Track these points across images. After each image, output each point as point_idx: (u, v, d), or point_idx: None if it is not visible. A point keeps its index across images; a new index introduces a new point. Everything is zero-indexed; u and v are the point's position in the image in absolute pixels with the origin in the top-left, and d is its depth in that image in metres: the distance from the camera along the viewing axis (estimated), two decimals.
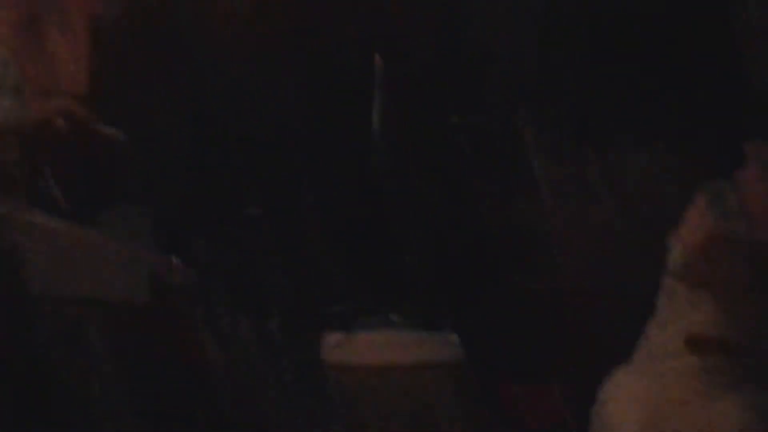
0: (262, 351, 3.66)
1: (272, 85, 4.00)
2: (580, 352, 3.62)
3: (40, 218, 3.54)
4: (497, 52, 3.89)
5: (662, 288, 3.03)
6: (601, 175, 3.74)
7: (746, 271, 2.87)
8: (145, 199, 3.92)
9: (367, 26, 4.18)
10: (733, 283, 2.92)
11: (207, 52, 3.98)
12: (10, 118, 3.52)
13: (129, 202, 3.90)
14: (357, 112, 4.16)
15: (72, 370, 3.57)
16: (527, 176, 4.00)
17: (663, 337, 3.04)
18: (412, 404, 3.50)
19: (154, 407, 3.55)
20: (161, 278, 3.63)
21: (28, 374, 3.51)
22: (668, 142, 3.75)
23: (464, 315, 3.63)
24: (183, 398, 3.59)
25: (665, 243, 3.07)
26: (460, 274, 3.83)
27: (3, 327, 3.47)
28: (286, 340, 3.61)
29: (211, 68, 3.98)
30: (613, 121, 3.75)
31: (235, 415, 3.59)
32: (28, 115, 3.58)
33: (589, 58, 3.77)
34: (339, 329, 3.53)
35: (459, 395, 3.52)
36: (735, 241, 2.84)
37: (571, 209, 3.81)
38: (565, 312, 3.70)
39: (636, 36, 3.78)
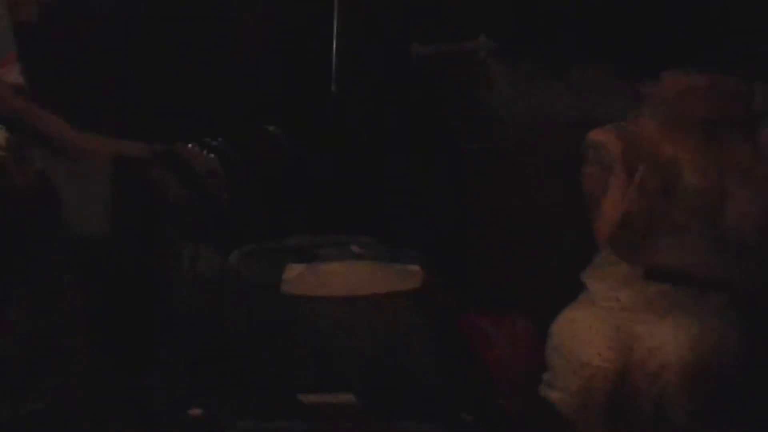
0: (224, 281, 3.65)
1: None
2: (539, 283, 3.66)
3: None
4: None
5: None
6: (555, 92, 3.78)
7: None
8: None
9: None
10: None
11: None
12: None
13: None
14: (317, 41, 4.12)
15: None
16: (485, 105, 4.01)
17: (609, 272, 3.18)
18: (375, 334, 3.51)
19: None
20: None
21: None
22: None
23: (429, 246, 3.65)
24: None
25: None
26: (423, 206, 3.84)
27: None
28: (248, 270, 3.60)
29: None
30: (568, 45, 3.76)
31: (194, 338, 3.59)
32: None
33: None
34: (300, 260, 3.53)
35: (423, 324, 3.54)
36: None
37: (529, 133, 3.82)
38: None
39: None
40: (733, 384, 3.03)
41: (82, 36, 3.65)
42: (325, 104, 4.05)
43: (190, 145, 3.62)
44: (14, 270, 3.16)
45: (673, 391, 3.02)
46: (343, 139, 4.03)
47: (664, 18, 3.68)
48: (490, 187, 3.69)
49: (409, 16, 4.03)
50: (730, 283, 2.98)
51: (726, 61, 3.27)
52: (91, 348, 3.30)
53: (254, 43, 3.90)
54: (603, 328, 3.13)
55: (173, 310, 3.55)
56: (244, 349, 3.51)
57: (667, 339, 3.06)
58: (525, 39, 3.85)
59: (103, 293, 3.42)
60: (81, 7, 3.65)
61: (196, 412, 3.43)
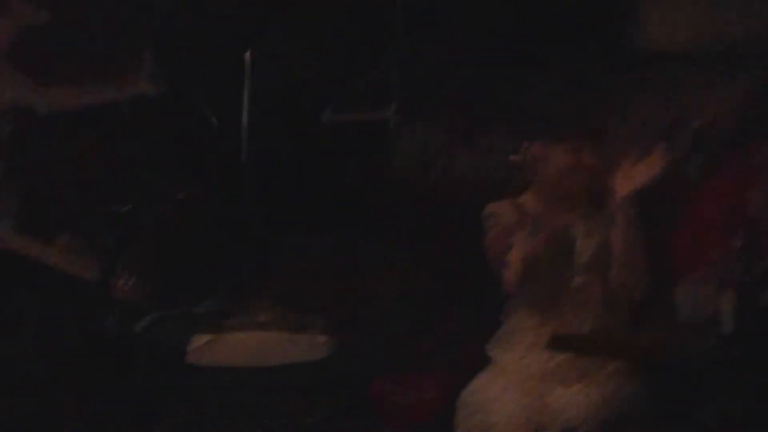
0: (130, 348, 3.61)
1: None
2: (449, 345, 3.67)
3: None
4: (366, 51, 3.90)
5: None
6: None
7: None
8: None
9: (238, 23, 4.15)
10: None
11: None
12: None
13: None
14: (227, 109, 4.12)
15: None
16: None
17: (518, 339, 3.22)
18: (283, 404, 3.49)
19: None
20: None
21: None
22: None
23: (333, 314, 3.64)
24: None
25: None
26: (329, 272, 3.84)
27: None
28: (155, 340, 3.56)
29: None
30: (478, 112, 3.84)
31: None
32: None
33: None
34: (207, 330, 3.50)
35: (329, 393, 3.53)
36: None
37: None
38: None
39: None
40: None
41: None
42: (235, 171, 4.05)
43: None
44: None
45: None
46: (251, 204, 4.04)
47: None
48: (396, 249, 3.72)
49: (321, 84, 4.07)
50: (631, 348, 3.02)
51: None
52: None
53: (166, 111, 3.89)
54: (512, 397, 3.14)
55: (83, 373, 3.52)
56: (148, 418, 3.47)
57: (574, 406, 3.09)
58: (435, 106, 3.90)
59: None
60: None
61: None
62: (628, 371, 3.15)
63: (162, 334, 3.51)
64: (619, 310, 3.20)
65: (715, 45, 3.76)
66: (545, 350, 3.12)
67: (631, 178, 3.13)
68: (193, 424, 3.53)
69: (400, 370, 3.72)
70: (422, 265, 3.72)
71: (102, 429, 3.56)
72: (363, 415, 3.61)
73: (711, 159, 3.65)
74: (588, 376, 3.15)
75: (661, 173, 3.13)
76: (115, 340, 3.59)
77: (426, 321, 3.75)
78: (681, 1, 3.86)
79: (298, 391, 3.51)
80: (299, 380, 3.49)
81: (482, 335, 3.36)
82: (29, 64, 3.62)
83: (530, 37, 3.94)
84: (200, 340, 3.43)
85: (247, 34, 4.12)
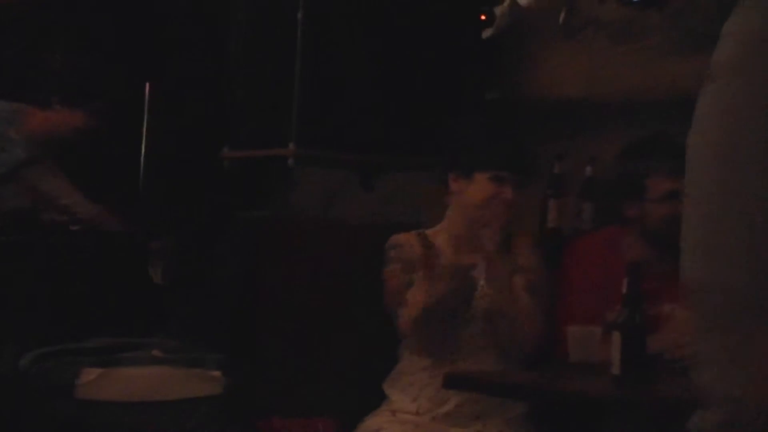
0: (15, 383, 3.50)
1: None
2: (346, 390, 3.67)
3: None
4: (267, 87, 3.91)
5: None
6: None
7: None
8: None
9: (139, 54, 4.13)
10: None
11: None
12: None
13: None
14: (128, 139, 4.09)
15: None
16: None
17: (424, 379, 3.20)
18: None
19: None
20: None
21: None
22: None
23: (229, 350, 3.61)
24: None
25: None
26: (225, 309, 3.81)
27: None
28: (41, 374, 3.47)
29: None
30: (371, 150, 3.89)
31: None
32: None
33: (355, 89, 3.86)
34: (99, 364, 3.42)
35: (221, 430, 3.49)
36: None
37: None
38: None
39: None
40: None
41: None
42: (131, 205, 4.01)
43: None
44: None
45: None
46: (148, 237, 4.00)
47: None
48: (287, 289, 3.72)
49: (221, 120, 4.06)
50: (528, 390, 3.04)
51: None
52: None
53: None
54: None
55: None
56: None
57: None
58: (336, 148, 3.93)
59: None
60: None
61: None
62: (525, 414, 3.17)
63: (48, 370, 3.42)
64: (516, 354, 3.21)
65: (609, 95, 3.89)
66: (441, 391, 3.12)
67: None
68: None
69: (289, 411, 3.71)
70: (318, 302, 3.73)
71: None
72: None
73: (599, 208, 3.77)
74: (483, 419, 3.15)
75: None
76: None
77: (319, 361, 3.76)
78: (576, 52, 3.98)
79: (187, 429, 3.46)
80: (190, 416, 3.44)
81: (377, 375, 3.37)
82: None
83: (430, 83, 4.01)
84: (90, 374, 3.36)
85: (146, 66, 4.10)
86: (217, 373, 3.46)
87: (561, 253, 3.39)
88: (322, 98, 3.81)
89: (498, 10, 3.51)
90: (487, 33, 3.55)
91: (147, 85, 3.94)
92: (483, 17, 3.55)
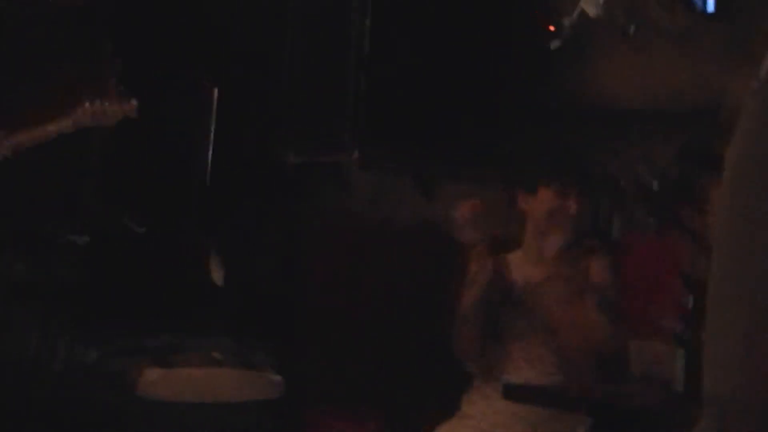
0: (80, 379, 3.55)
1: None
2: (395, 385, 3.68)
3: None
4: (332, 95, 3.94)
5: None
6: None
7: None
8: None
9: (203, 57, 4.17)
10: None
11: None
12: None
13: None
14: (191, 144, 4.13)
15: None
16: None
17: (483, 390, 3.19)
18: None
19: None
20: None
21: None
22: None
23: (281, 349, 3.64)
24: None
25: None
26: (278, 310, 3.84)
27: None
28: (104, 371, 3.52)
29: None
30: (431, 159, 3.90)
31: None
32: None
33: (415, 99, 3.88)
34: (160, 362, 3.47)
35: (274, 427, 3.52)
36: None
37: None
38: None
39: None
40: None
41: None
42: (196, 205, 4.05)
43: None
44: None
45: None
46: (210, 239, 4.04)
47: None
48: (340, 290, 3.74)
49: (285, 127, 4.09)
50: (585, 401, 3.02)
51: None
52: None
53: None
54: None
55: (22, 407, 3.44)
56: None
57: None
58: (398, 155, 3.94)
59: None
60: None
61: None
62: (580, 424, 3.14)
63: (112, 367, 3.47)
64: (575, 368, 3.18)
65: (669, 103, 3.86)
66: (503, 402, 3.10)
67: None
68: None
69: (341, 407, 3.72)
70: (374, 305, 3.74)
71: None
72: None
73: (652, 214, 3.73)
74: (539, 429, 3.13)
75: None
76: (63, 374, 3.54)
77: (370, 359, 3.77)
78: (638, 60, 3.95)
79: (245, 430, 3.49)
80: (248, 419, 3.47)
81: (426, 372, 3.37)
82: None
83: (490, 91, 4.01)
84: (152, 373, 3.40)
85: (213, 69, 4.14)
86: (276, 377, 3.49)
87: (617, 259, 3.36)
88: (386, 106, 3.82)
89: (566, 21, 3.49)
90: (555, 44, 3.53)
91: (215, 90, 3.98)
92: (551, 28, 3.54)
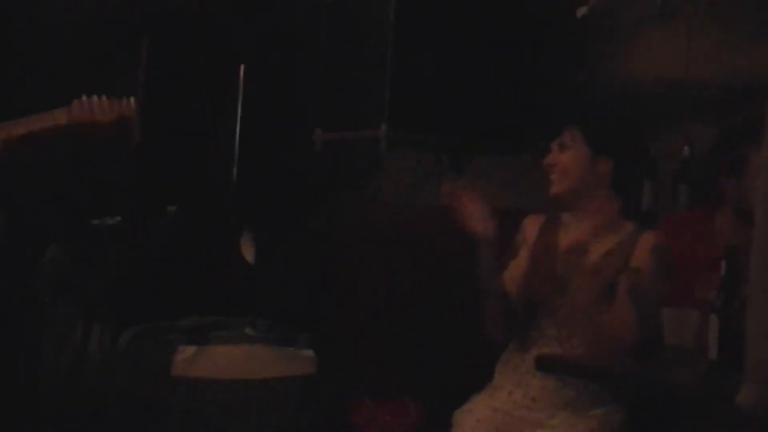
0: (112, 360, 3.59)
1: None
2: (433, 371, 3.68)
3: None
4: (359, 70, 3.94)
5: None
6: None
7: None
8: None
9: (232, 39, 4.18)
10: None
11: None
12: None
13: None
14: (220, 123, 4.14)
15: None
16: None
17: (515, 362, 3.18)
18: (266, 418, 3.48)
19: None
20: None
21: None
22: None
23: (320, 330, 3.65)
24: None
25: None
26: (316, 289, 3.85)
27: None
28: (139, 351, 3.56)
29: None
30: (461, 133, 3.89)
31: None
32: None
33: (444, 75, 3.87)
34: (193, 342, 3.49)
35: (314, 409, 3.53)
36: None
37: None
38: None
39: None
40: None
41: None
42: (226, 188, 4.07)
43: None
44: None
45: None
46: (239, 220, 4.05)
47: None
48: (375, 271, 3.74)
49: (313, 103, 4.09)
50: (621, 375, 3.01)
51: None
52: None
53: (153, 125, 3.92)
54: (485, 426, 3.09)
55: (56, 387, 3.49)
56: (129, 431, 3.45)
57: None
58: (427, 130, 3.94)
59: None
60: None
61: None
62: (616, 403, 3.12)
63: (145, 347, 3.50)
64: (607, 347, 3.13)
65: (706, 77, 3.83)
66: (536, 376, 3.09)
67: None
68: None
69: (383, 394, 3.73)
70: (411, 288, 3.74)
71: None
72: None
73: (695, 190, 3.71)
74: (573, 408, 3.10)
75: None
76: (96, 354, 3.58)
77: (407, 343, 3.78)
78: (671, 33, 3.92)
79: (280, 407, 3.51)
80: (283, 395, 3.49)
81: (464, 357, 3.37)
82: None
83: (519, 66, 3.99)
84: (186, 351, 3.43)
85: (239, 46, 4.15)
86: (309, 353, 3.51)
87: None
88: (413, 81, 3.81)
89: None
90: (581, 11, 3.52)
91: (241, 67, 3.98)
92: None
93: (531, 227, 3.23)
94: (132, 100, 3.39)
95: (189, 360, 3.44)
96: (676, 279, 3.16)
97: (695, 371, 2.73)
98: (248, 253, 3.91)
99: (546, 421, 3.07)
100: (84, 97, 3.37)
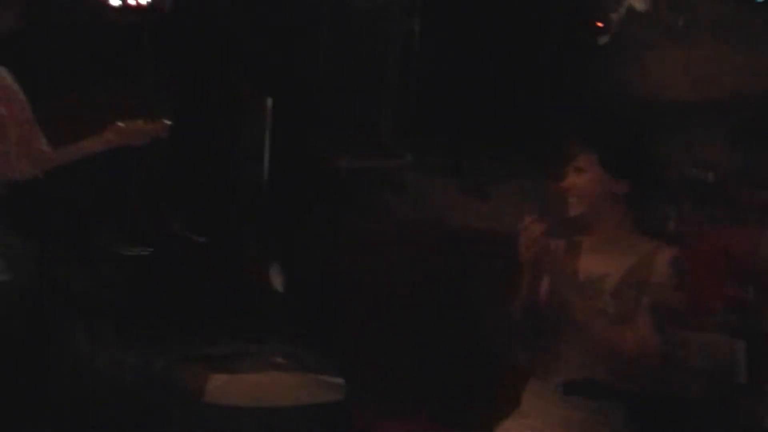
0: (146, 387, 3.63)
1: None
2: (457, 397, 3.70)
3: None
4: (383, 99, 3.99)
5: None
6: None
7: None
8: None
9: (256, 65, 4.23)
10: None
11: None
12: None
13: None
14: (247, 152, 4.19)
15: None
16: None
17: (539, 386, 3.20)
18: None
19: None
20: None
21: None
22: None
23: (346, 353, 3.68)
24: None
25: None
26: (341, 314, 3.89)
27: None
28: (172, 378, 3.59)
29: None
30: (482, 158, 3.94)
31: None
32: None
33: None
34: (224, 369, 3.54)
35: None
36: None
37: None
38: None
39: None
40: None
41: None
42: (253, 215, 4.12)
43: None
44: None
45: None
46: (268, 246, 4.10)
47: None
48: (397, 293, 3.77)
49: (339, 131, 4.14)
50: (644, 394, 3.02)
51: None
52: None
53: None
54: None
55: (90, 414, 3.52)
56: None
57: None
58: (451, 156, 3.98)
59: None
60: None
61: None
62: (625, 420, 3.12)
63: (179, 374, 3.54)
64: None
65: (716, 95, 3.85)
66: (561, 401, 3.10)
67: None
68: None
69: (406, 416, 3.75)
70: (435, 311, 3.77)
71: None
72: None
73: (709, 206, 3.73)
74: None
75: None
76: (133, 381, 3.62)
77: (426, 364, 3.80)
78: (684, 53, 3.95)
79: None
80: (312, 422, 3.52)
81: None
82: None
83: (539, 88, 4.03)
84: (218, 379, 3.47)
85: (266, 79, 4.20)
86: (338, 380, 3.54)
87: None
88: (437, 109, 3.86)
89: (614, 17, 3.51)
90: (603, 40, 3.55)
91: (269, 100, 4.04)
92: (599, 24, 3.55)
93: (535, 238, 3.24)
94: (165, 121, 3.43)
95: (221, 387, 3.48)
96: (699, 296, 3.16)
97: (723, 394, 2.75)
98: (277, 281, 3.95)
99: None
100: (119, 124, 3.42)
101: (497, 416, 3.22)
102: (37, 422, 3.49)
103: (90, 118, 3.53)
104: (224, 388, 3.46)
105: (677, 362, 3.07)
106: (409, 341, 3.87)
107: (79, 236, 3.94)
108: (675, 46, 3.80)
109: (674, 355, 3.10)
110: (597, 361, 3.12)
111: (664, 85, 3.92)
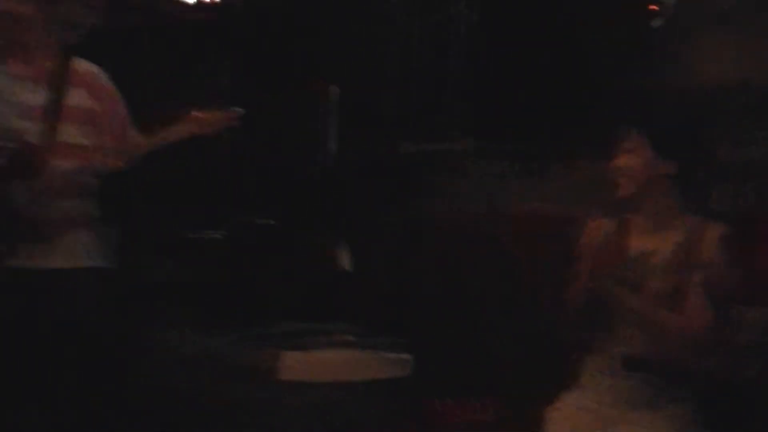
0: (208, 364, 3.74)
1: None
2: (514, 371, 3.77)
3: None
4: (443, 83, 4.07)
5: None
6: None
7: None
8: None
9: (321, 55, 4.34)
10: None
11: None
12: None
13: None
14: (310, 138, 4.31)
15: None
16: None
17: (598, 362, 3.26)
18: (368, 419, 3.59)
19: None
20: None
21: None
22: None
23: (412, 333, 3.76)
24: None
25: None
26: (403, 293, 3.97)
27: None
28: (236, 355, 3.70)
29: None
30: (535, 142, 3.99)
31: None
32: None
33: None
34: (290, 347, 3.65)
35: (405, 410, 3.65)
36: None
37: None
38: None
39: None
40: None
41: None
42: (318, 198, 4.22)
43: None
44: None
45: None
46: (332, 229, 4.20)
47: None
48: (456, 277, 3.83)
49: (400, 116, 4.23)
50: (701, 372, 3.06)
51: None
52: None
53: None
54: (572, 424, 3.17)
55: (153, 391, 3.61)
56: None
57: None
58: (509, 139, 4.05)
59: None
60: None
61: None
62: (690, 400, 3.18)
63: (244, 352, 3.66)
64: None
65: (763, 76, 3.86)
66: (618, 375, 3.16)
67: None
68: None
69: (458, 393, 3.84)
70: (493, 289, 3.84)
71: None
72: None
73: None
74: (655, 407, 3.18)
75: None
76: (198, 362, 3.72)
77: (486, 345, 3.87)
78: (734, 37, 3.96)
79: (378, 407, 3.63)
80: (381, 396, 3.62)
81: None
82: None
83: (590, 73, 4.08)
84: (290, 357, 3.59)
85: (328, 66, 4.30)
86: (405, 355, 3.64)
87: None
88: (494, 92, 3.93)
89: (667, 0, 3.55)
90: (657, 23, 3.59)
91: (335, 89, 4.15)
92: (654, 8, 3.59)
93: (596, 230, 3.31)
94: (237, 109, 3.55)
95: (293, 365, 3.58)
96: (747, 273, 3.17)
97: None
98: (344, 260, 4.05)
99: (627, 418, 3.15)
100: (195, 113, 3.54)
101: (557, 391, 3.30)
102: (124, 409, 3.56)
103: (165, 110, 3.64)
104: (297, 365, 3.57)
105: (730, 339, 3.11)
106: (472, 322, 3.95)
107: (159, 223, 4.05)
108: (724, 29, 3.82)
109: (727, 332, 3.14)
110: (654, 339, 3.19)
111: (713, 67, 3.94)
